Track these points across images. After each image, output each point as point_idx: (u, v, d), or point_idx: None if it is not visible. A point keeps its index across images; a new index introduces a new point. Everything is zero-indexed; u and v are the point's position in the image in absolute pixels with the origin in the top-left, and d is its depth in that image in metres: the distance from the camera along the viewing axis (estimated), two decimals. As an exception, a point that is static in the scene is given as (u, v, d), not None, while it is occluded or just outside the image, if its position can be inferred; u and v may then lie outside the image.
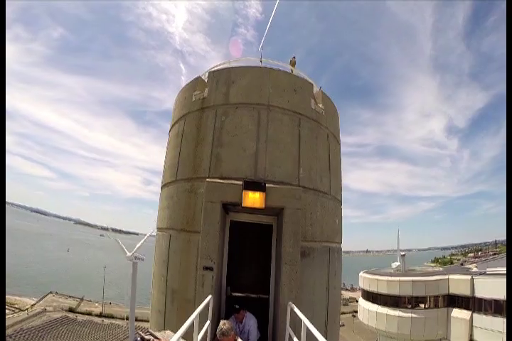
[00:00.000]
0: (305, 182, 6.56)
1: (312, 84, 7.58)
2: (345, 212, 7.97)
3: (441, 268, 37.45)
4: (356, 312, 38.26)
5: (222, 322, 4.47)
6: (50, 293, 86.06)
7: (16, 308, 71.64)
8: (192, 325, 3.58)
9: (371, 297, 26.45)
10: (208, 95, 7.12)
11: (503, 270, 22.50)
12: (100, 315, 74.95)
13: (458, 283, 23.46)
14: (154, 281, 7.32)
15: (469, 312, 22.56)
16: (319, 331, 3.34)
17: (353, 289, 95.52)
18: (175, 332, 3.20)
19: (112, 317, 74.39)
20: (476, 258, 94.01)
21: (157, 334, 5.34)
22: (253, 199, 5.53)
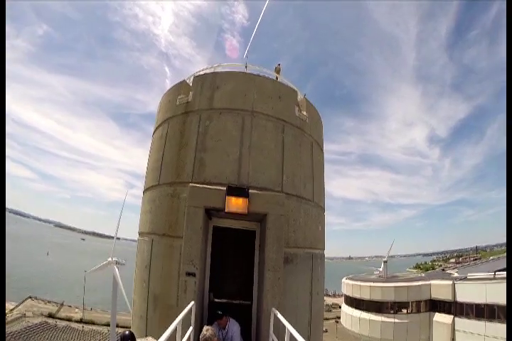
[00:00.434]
0: (288, 188, 6.58)
1: (296, 92, 7.64)
2: (329, 218, 8.04)
3: (423, 274, 37.99)
4: (339, 317, 38.47)
5: (205, 328, 4.43)
6: (30, 297, 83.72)
7: (-6, 313, 68.98)
8: (174, 331, 3.54)
9: (354, 303, 26.67)
10: (193, 99, 7.10)
11: (484, 275, 22.94)
12: (80, 321, 73.18)
13: (440, 288, 23.81)
14: (136, 287, 7.19)
15: (451, 317, 22.93)
16: (302, 337, 3.33)
17: (336, 295, 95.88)
18: (157, 338, 3.16)
19: (92, 323, 72.62)
20: (457, 263, 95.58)
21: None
22: (236, 204, 5.52)
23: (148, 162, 7.90)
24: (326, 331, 53.71)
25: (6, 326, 63.83)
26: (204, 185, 5.87)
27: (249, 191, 5.61)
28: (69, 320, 73.37)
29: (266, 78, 7.46)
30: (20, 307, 75.53)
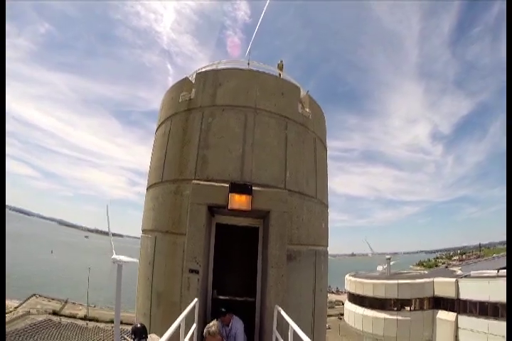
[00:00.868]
0: (291, 185, 6.57)
1: (299, 88, 7.61)
2: (332, 215, 8.03)
3: (426, 271, 37.92)
4: (342, 314, 38.40)
5: (212, 322, 4.47)
6: (34, 295, 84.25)
7: (-1, 310, 69.57)
8: (178, 328, 3.54)
9: (357, 300, 26.62)
10: (195, 96, 7.08)
11: (487, 272, 22.85)
12: (84, 318, 73.62)
13: (443, 286, 23.75)
14: (139, 284, 7.22)
15: (454, 314, 22.87)
16: (306, 334, 3.33)
17: (339, 292, 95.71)
18: (160, 335, 3.16)
19: (96, 320, 73.08)
20: (460, 261, 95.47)
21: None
22: (239, 201, 5.48)
23: (151, 159, 7.90)
24: (329, 328, 53.85)
25: (11, 324, 64.52)
26: (207, 182, 5.86)
27: (252, 188, 5.57)
28: (73, 317, 73.89)
29: (268, 75, 7.43)
30: (24, 304, 76.12)
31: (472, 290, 21.90)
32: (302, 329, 3.48)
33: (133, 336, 4.88)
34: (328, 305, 9.66)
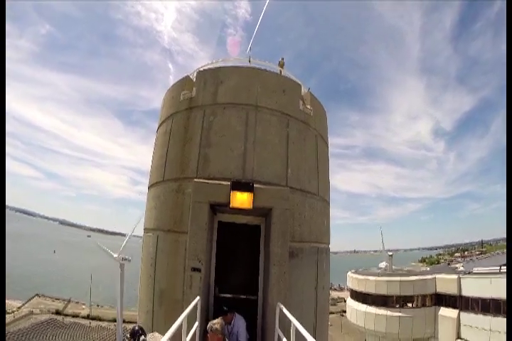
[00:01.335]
0: (293, 182, 6.57)
1: (300, 86, 7.59)
2: (333, 212, 8.02)
3: (428, 268, 37.83)
4: (344, 311, 38.44)
5: (216, 320, 4.48)
6: (37, 295, 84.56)
7: (2, 311, 69.91)
8: (180, 327, 3.55)
9: (359, 297, 26.62)
10: (196, 95, 7.08)
11: (489, 269, 22.79)
12: (87, 317, 73.85)
13: (445, 283, 23.71)
14: (142, 282, 7.24)
15: (456, 311, 22.82)
16: (308, 331, 3.32)
17: (341, 289, 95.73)
18: (163, 333, 3.17)
19: (99, 319, 73.32)
20: (462, 257, 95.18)
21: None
22: (241, 199, 5.48)
23: (152, 158, 7.91)
24: (331, 325, 53.95)
25: (14, 324, 64.77)
26: (209, 181, 5.86)
27: (254, 186, 5.56)
28: (76, 316, 74.26)
29: (270, 72, 7.42)
30: (27, 305, 76.44)
31: (474, 287, 21.85)
32: (304, 327, 3.48)
33: (131, 338, 4.90)
34: (330, 303, 9.68)
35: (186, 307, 4.16)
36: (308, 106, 7.45)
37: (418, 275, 26.00)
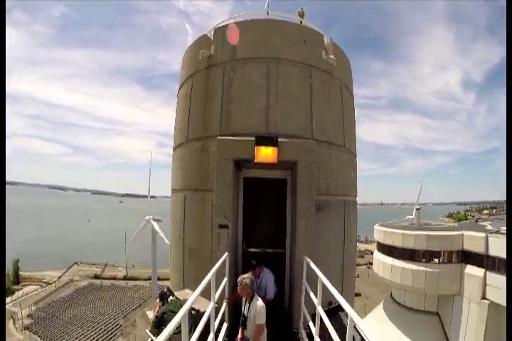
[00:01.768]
0: (318, 135, 6.44)
1: (322, 35, 7.21)
2: (360, 164, 7.90)
3: (455, 224, 37.27)
4: (371, 263, 38.57)
5: (246, 275, 4.51)
6: (75, 263, 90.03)
7: (44, 282, 75.66)
8: (209, 283, 3.67)
9: (386, 249, 26.65)
10: (215, 52, 6.88)
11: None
12: (124, 278, 78.77)
13: (472, 240, 23.17)
14: (172, 241, 7.52)
15: (483, 270, 22.35)
16: (335, 284, 3.39)
17: (368, 241, 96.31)
18: (194, 290, 3.29)
19: (135, 279, 78.08)
20: (490, 216, 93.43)
21: (176, 294, 5.54)
22: (266, 154, 5.41)
23: (175, 120, 7.90)
24: (358, 276, 55.08)
25: (56, 293, 69.75)
26: (232, 137, 5.82)
27: (278, 140, 5.46)
28: (113, 278, 79.30)
29: (289, 23, 7.05)
30: (67, 273, 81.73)
31: (502, 247, 20.98)
32: (331, 280, 3.54)
33: (160, 299, 5.13)
34: (357, 254, 9.81)
35: (215, 264, 4.26)
36: (331, 56, 7.11)
37: (445, 230, 25.60)
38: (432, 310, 24.84)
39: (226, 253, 5.02)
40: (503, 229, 23.05)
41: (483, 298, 21.87)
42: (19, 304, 62.45)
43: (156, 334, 4.76)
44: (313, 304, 4.04)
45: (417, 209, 32.74)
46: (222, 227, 5.45)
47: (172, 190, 7.66)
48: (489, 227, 26.82)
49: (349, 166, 7.35)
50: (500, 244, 21.27)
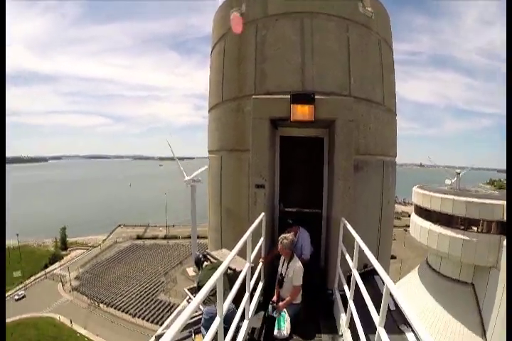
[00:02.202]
0: (356, 92, 6.18)
1: (359, -14, 6.77)
2: (400, 123, 7.57)
3: (496, 192, 35.51)
4: (408, 226, 37.63)
5: (288, 234, 4.61)
6: (119, 226, 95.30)
7: (90, 246, 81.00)
8: (245, 243, 3.70)
9: (423, 213, 25.76)
10: (246, 10, 6.62)
11: None
12: (165, 238, 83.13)
13: (513, 211, 21.84)
14: (209, 202, 7.67)
15: (523, 244, 21.15)
16: (371, 247, 3.37)
17: (405, 203, 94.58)
18: (231, 249, 3.34)
19: (175, 238, 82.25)
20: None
21: (214, 253, 5.75)
22: (302, 112, 5.25)
23: (209, 82, 7.84)
24: (394, 239, 54.69)
25: (101, 255, 74.50)
26: (267, 96, 5.71)
27: (315, 97, 5.27)
28: (155, 238, 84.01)
29: None
30: (111, 236, 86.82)
31: None
32: (368, 243, 3.49)
33: (196, 265, 5.28)
34: (394, 216, 9.64)
35: (252, 224, 4.28)
36: (369, 9, 6.67)
37: (486, 198, 24.37)
38: (467, 280, 24.12)
39: (263, 213, 5.04)
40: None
41: (521, 272, 21.00)
42: (67, 268, 67.57)
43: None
44: (348, 266, 4.03)
45: (457, 173, 31.25)
46: (259, 187, 5.45)
47: (209, 151, 7.75)
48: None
49: (389, 125, 7.09)
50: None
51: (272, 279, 5.13)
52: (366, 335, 3.15)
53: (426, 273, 26.49)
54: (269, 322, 4.48)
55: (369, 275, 5.71)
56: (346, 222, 4.68)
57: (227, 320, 3.09)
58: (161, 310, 53.21)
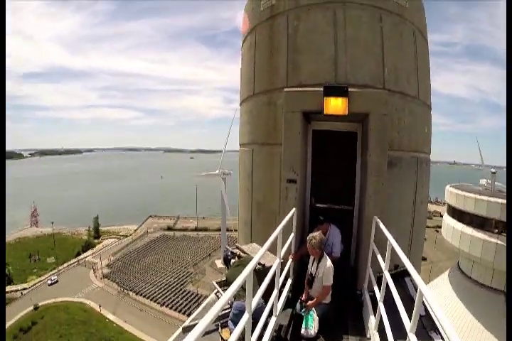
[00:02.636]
0: (391, 84, 5.97)
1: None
2: (433, 118, 7.27)
3: (535, 194, 33.45)
4: (439, 226, 36.39)
5: (317, 233, 4.49)
6: (150, 216, 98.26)
7: (122, 235, 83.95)
8: (276, 238, 3.68)
9: (456, 214, 24.53)
10: (277, 1, 6.50)
11: None
12: (195, 229, 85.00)
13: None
14: (240, 195, 7.68)
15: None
16: (403, 247, 3.24)
17: (437, 202, 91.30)
18: (261, 243, 3.31)
19: (205, 230, 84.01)
20: None
21: (244, 247, 5.67)
22: (335, 105, 5.12)
23: (240, 75, 7.81)
24: (425, 239, 53.34)
25: (132, 244, 77.00)
26: (300, 88, 5.61)
27: (349, 90, 5.13)
28: (185, 229, 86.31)
29: None
30: (142, 226, 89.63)
31: None
32: (399, 243, 3.38)
33: (224, 262, 5.24)
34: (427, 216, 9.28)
35: (282, 218, 4.24)
36: (402, -4, 6.41)
37: None
38: (499, 287, 22.97)
39: (294, 209, 4.99)
40: None
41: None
42: (99, 255, 70.41)
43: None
44: (379, 266, 3.92)
45: (492, 172, 29.83)
46: (290, 182, 5.40)
47: (240, 144, 7.75)
48: None
49: (423, 120, 6.82)
50: None
51: (300, 275, 5.08)
52: (395, 340, 3.06)
53: (456, 277, 25.51)
54: (297, 320, 4.44)
55: (399, 276, 5.60)
56: (379, 220, 4.56)
57: (256, 315, 3.09)
58: (189, 300, 54.65)
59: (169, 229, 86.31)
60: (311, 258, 4.64)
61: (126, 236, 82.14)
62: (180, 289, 58.08)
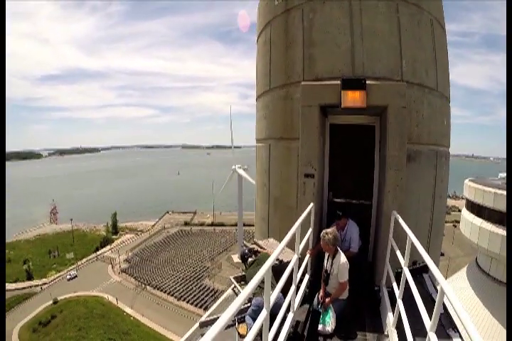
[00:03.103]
0: (409, 76, 5.84)
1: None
2: (451, 110, 7.11)
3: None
4: (458, 222, 35.41)
5: (330, 229, 4.45)
6: (167, 212, 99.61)
7: (139, 231, 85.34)
8: (294, 234, 3.68)
9: (475, 209, 23.76)
10: None
11: None
12: (212, 225, 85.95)
13: None
14: (257, 190, 7.67)
15: None
16: (422, 243, 3.19)
17: (455, 197, 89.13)
18: (278, 238, 3.31)
19: (222, 225, 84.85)
20: None
21: (261, 243, 5.66)
22: (353, 98, 5.08)
23: (256, 70, 7.77)
24: (443, 235, 52.54)
25: (150, 239, 78.22)
26: (316, 82, 5.58)
27: (367, 82, 5.09)
28: (202, 225, 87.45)
29: None
30: (160, 222, 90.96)
31: None
32: (419, 238, 3.34)
33: (241, 260, 5.25)
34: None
35: (300, 214, 4.22)
36: (419, -15, 6.25)
37: None
38: None
39: (311, 204, 4.97)
40: None
41: None
42: (117, 251, 71.81)
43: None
44: (398, 262, 3.88)
45: (511, 165, 28.79)
46: (308, 177, 5.38)
47: (256, 139, 7.72)
48: None
49: (442, 112, 6.67)
50: None
51: (318, 271, 5.07)
52: (414, 339, 3.03)
53: (475, 273, 24.89)
54: (314, 316, 4.44)
55: (417, 272, 5.51)
56: (398, 215, 4.49)
57: (275, 310, 3.13)
58: (205, 294, 55.30)
59: (186, 224, 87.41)
60: (326, 254, 4.62)
61: (144, 232, 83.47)
62: (197, 283, 58.90)
